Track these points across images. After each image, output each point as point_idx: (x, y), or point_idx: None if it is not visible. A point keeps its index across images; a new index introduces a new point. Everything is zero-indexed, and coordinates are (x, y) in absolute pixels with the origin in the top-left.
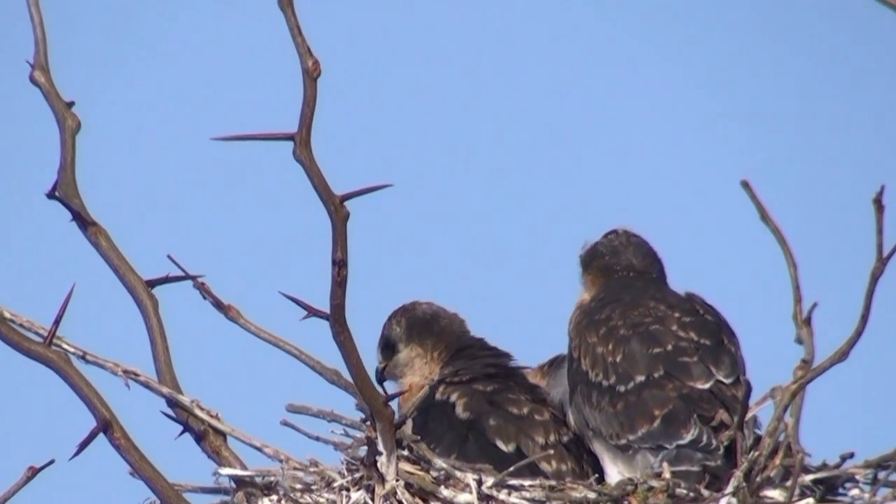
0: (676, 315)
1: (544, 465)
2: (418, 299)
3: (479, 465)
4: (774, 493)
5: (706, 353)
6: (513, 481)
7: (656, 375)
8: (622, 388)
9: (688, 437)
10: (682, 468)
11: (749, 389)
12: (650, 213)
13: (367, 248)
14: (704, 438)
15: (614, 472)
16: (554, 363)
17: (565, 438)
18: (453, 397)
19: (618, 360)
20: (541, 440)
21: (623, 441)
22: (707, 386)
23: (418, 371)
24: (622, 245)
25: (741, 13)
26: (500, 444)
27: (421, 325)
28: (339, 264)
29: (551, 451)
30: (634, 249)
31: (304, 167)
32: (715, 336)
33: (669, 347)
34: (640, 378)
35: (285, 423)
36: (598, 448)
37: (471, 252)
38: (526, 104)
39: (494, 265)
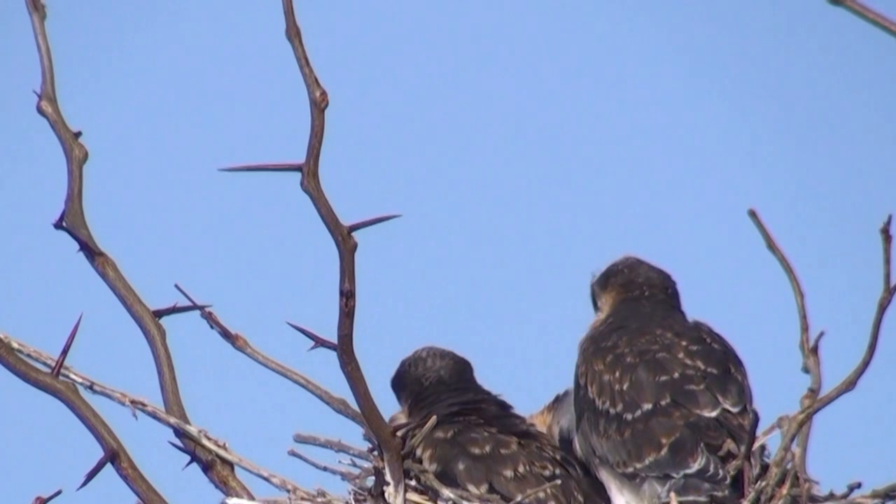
0: (683, 343)
1: (518, 496)
2: (428, 346)
3: (487, 496)
4: None
5: (713, 381)
6: None
7: (663, 403)
8: (629, 416)
9: (695, 467)
10: (690, 498)
11: (756, 419)
12: (656, 242)
13: (376, 279)
14: (711, 468)
15: (621, 502)
16: (558, 398)
17: (543, 471)
18: (418, 451)
19: (625, 387)
20: (509, 473)
21: (630, 469)
22: (714, 414)
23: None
24: (637, 262)
25: (747, 36)
26: (472, 488)
27: (398, 376)
28: (347, 295)
29: (559, 482)
30: (649, 266)
31: (311, 198)
32: (722, 365)
33: (676, 375)
34: (648, 406)
35: (293, 453)
36: (605, 476)
37: (480, 283)
38: (536, 137)
39: (504, 296)
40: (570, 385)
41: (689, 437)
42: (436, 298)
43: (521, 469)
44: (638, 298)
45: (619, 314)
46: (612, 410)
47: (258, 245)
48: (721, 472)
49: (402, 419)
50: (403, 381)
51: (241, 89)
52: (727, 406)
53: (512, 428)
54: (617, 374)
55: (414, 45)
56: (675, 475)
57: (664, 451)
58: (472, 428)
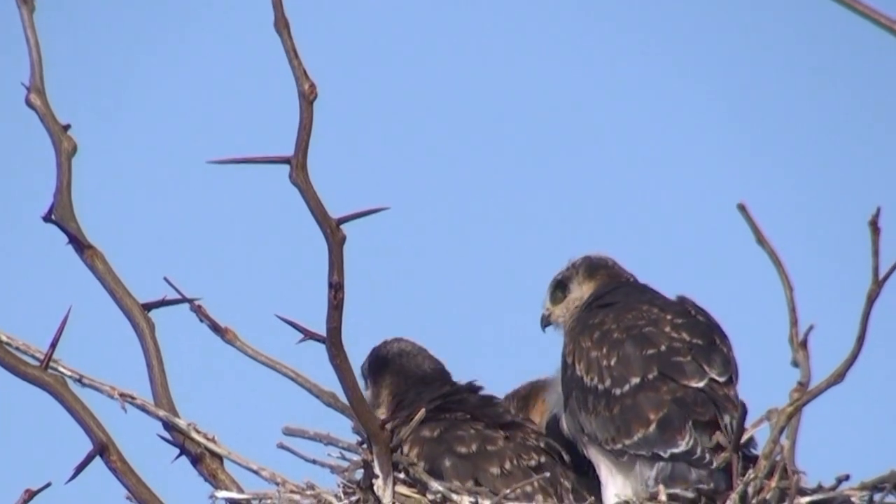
0: (669, 317)
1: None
2: (399, 337)
3: (476, 488)
4: None
5: (698, 352)
6: None
7: (650, 377)
8: (617, 391)
9: (682, 445)
10: (677, 489)
11: (745, 411)
12: (645, 236)
13: (364, 272)
14: (698, 451)
15: (610, 482)
16: (535, 386)
17: (530, 462)
18: (405, 448)
19: (612, 363)
20: (496, 470)
21: (619, 446)
22: (701, 385)
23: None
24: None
25: (738, 32)
26: (458, 485)
27: (380, 364)
28: (336, 287)
29: (547, 474)
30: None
31: (300, 190)
32: (707, 336)
33: (663, 348)
34: (635, 380)
35: (282, 446)
36: (594, 455)
37: (468, 275)
38: (526, 128)
39: (492, 287)
40: (549, 373)
41: (677, 413)
42: (424, 291)
43: (507, 465)
44: (622, 284)
45: (604, 295)
46: (600, 387)
47: (247, 238)
48: (708, 456)
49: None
50: (383, 371)
51: (229, 82)
52: (713, 376)
53: (496, 419)
54: (604, 350)
55: (403, 38)
56: (663, 454)
57: (652, 428)
58: (458, 425)
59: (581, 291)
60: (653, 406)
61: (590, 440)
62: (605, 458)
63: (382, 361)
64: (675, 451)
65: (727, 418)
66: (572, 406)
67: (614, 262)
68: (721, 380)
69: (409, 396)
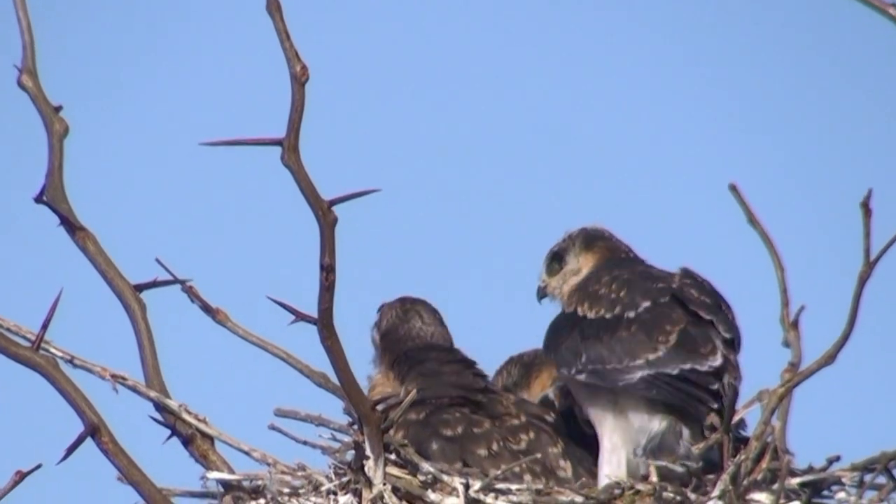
0: (676, 277)
1: (492, 472)
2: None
3: (467, 469)
4: (761, 497)
5: (706, 307)
6: (500, 485)
7: (662, 301)
8: (631, 314)
9: (708, 363)
10: (664, 462)
11: (736, 392)
12: (636, 217)
13: (356, 253)
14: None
15: (607, 441)
16: (539, 356)
17: (517, 445)
18: (391, 432)
19: (621, 294)
20: (483, 452)
21: (640, 361)
22: (708, 318)
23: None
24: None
25: (727, 13)
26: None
27: (385, 334)
28: (327, 269)
29: (538, 455)
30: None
31: (292, 172)
32: (714, 297)
33: (674, 285)
34: (646, 304)
35: (273, 428)
36: (594, 413)
37: (459, 257)
38: (514, 107)
39: (482, 270)
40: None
41: (697, 331)
42: (415, 272)
43: (494, 447)
44: (622, 259)
45: (605, 267)
46: (608, 315)
47: (239, 219)
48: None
49: (380, 379)
50: (391, 337)
51: (221, 64)
52: (721, 331)
53: (471, 385)
54: (613, 286)
55: (396, 20)
56: (672, 371)
57: (672, 340)
58: (443, 409)
59: (578, 263)
60: (671, 322)
61: (590, 393)
62: (604, 413)
63: (389, 328)
64: (700, 368)
65: (726, 378)
66: (572, 347)
67: (611, 234)
68: (726, 336)
69: (414, 360)
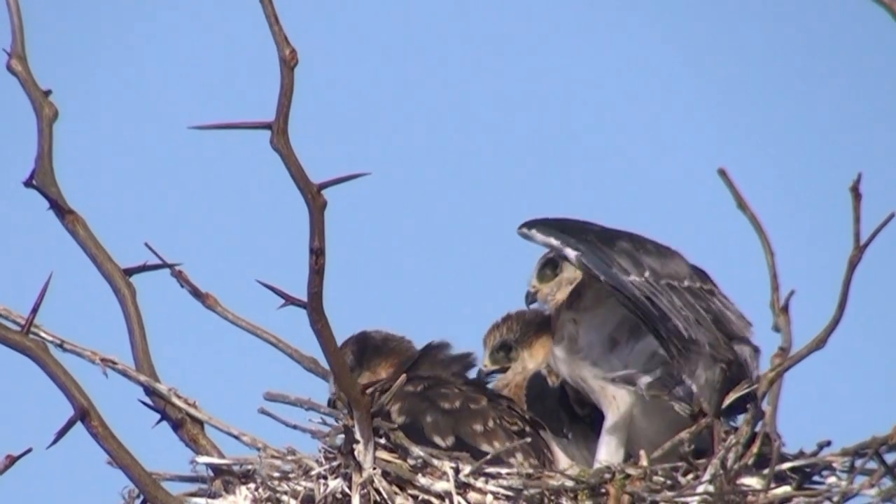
0: None
1: (485, 447)
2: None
3: (457, 454)
4: (752, 481)
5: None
6: (490, 469)
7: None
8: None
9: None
10: (655, 392)
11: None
12: (626, 201)
13: (345, 237)
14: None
15: (604, 441)
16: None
17: (513, 428)
18: (387, 403)
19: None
20: (479, 427)
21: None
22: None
23: None
24: None
25: (732, 4)
26: (438, 440)
27: (372, 350)
28: (317, 253)
29: (528, 439)
30: None
31: (281, 156)
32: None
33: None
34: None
35: (263, 412)
36: (598, 385)
37: (449, 240)
38: (502, 93)
39: (471, 254)
40: None
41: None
42: (404, 256)
43: (490, 424)
44: None
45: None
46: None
47: (228, 203)
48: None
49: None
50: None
51: (210, 47)
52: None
53: (482, 389)
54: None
55: (384, 3)
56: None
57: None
58: (443, 384)
59: (576, 272)
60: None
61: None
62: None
63: (375, 347)
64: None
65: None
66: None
67: None
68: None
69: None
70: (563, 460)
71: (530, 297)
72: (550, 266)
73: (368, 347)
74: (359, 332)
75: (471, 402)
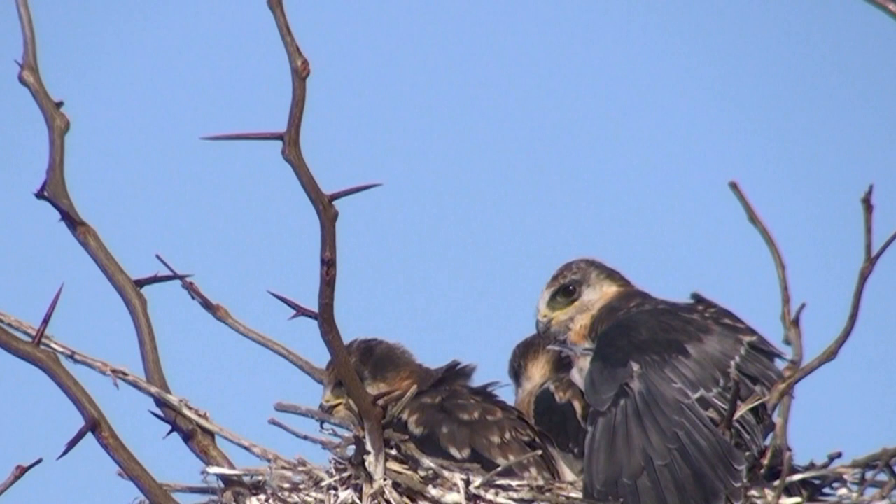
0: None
1: (500, 460)
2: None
3: (468, 465)
4: (762, 493)
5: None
6: (501, 481)
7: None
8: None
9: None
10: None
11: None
12: (637, 217)
13: (357, 248)
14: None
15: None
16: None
17: (525, 438)
18: (405, 414)
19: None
20: (496, 439)
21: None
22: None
23: None
24: None
25: (726, 8)
26: (454, 452)
27: (380, 360)
28: (328, 263)
29: (539, 452)
30: None
31: (293, 166)
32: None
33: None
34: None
35: (273, 423)
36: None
37: (460, 252)
38: (517, 103)
39: (484, 265)
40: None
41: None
42: (416, 267)
43: (506, 436)
44: (637, 292)
45: (624, 298)
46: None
47: (239, 214)
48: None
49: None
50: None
51: (222, 58)
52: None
53: (494, 400)
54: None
55: (397, 14)
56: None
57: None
58: (460, 395)
59: (597, 294)
60: None
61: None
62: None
63: (382, 358)
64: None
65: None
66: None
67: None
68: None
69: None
70: (568, 475)
71: (542, 326)
72: (564, 292)
73: (374, 357)
74: (359, 342)
75: (488, 414)
